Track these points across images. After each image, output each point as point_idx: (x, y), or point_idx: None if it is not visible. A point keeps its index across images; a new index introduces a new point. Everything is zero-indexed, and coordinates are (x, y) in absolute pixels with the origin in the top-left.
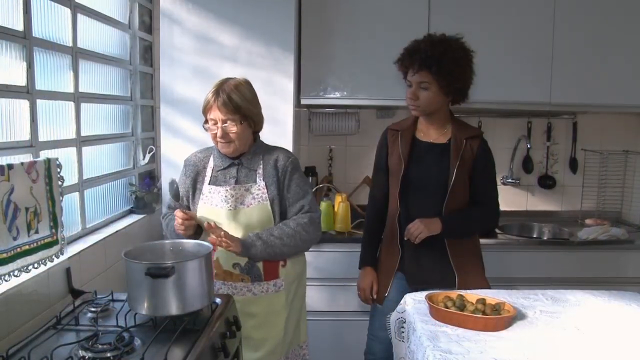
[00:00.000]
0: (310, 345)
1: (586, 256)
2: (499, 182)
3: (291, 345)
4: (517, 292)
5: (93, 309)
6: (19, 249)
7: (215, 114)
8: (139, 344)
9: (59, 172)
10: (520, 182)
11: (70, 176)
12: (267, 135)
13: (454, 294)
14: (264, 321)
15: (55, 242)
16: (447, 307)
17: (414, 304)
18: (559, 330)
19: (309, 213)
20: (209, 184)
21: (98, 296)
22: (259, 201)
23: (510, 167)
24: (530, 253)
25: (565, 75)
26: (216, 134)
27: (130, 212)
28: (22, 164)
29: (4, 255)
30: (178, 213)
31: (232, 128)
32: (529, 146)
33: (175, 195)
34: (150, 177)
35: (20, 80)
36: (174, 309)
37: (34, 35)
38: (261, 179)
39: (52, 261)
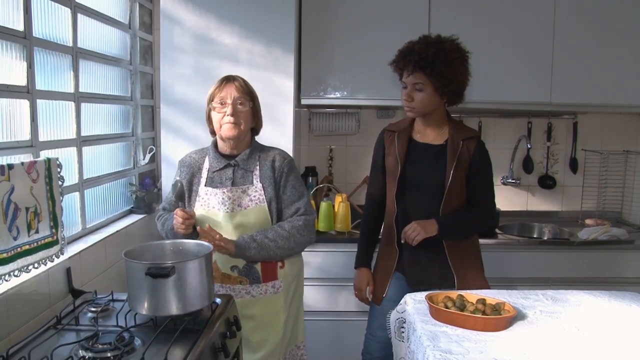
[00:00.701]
0: (308, 345)
1: (586, 256)
2: (499, 182)
3: (289, 346)
4: (517, 292)
5: (93, 309)
6: (19, 249)
7: (229, 91)
8: (139, 344)
9: (59, 172)
10: (521, 182)
11: (70, 176)
12: (267, 135)
13: (454, 294)
14: (263, 323)
15: (56, 242)
16: (447, 307)
17: (414, 304)
18: (559, 331)
19: (304, 216)
20: (205, 185)
21: (98, 296)
22: (257, 203)
23: (511, 167)
24: (531, 253)
25: (565, 75)
26: (225, 113)
27: (131, 212)
28: (22, 163)
29: (4, 255)
30: (179, 212)
31: (244, 108)
32: (529, 146)
33: (179, 195)
34: (151, 177)
35: (21, 80)
36: (174, 309)
37: (34, 35)
38: (258, 180)
39: (52, 261)
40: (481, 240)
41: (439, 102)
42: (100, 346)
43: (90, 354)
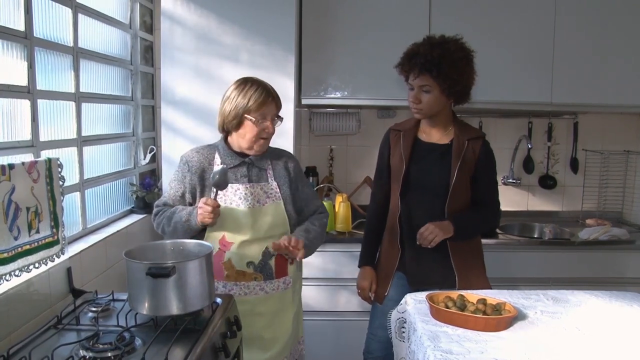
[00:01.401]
0: (310, 344)
1: (587, 256)
2: (499, 182)
3: (294, 342)
4: (518, 292)
5: (94, 309)
6: (20, 249)
7: (271, 109)
8: (139, 344)
9: (59, 172)
10: (521, 182)
11: (71, 176)
12: None
13: (454, 294)
14: (274, 320)
15: (56, 242)
16: (447, 307)
17: (414, 304)
18: (560, 331)
19: (323, 214)
20: None
21: (99, 296)
22: (274, 200)
23: (511, 167)
24: (531, 253)
25: (566, 75)
26: (263, 129)
27: (131, 212)
28: (23, 163)
29: (5, 255)
30: (209, 201)
31: (275, 126)
32: (529, 146)
33: (219, 184)
34: (151, 177)
35: (22, 80)
36: (174, 308)
37: (35, 35)
38: (272, 179)
39: (52, 261)
40: (482, 241)
41: (446, 103)
42: (100, 346)
43: (90, 354)
